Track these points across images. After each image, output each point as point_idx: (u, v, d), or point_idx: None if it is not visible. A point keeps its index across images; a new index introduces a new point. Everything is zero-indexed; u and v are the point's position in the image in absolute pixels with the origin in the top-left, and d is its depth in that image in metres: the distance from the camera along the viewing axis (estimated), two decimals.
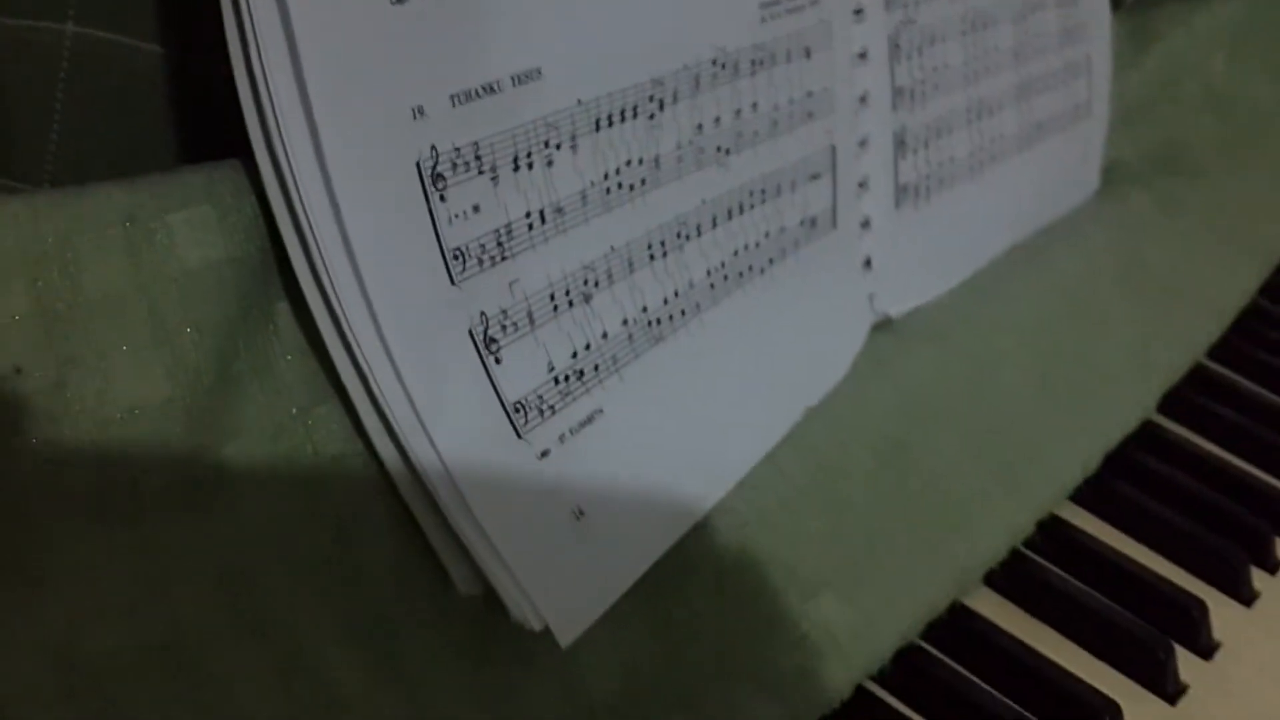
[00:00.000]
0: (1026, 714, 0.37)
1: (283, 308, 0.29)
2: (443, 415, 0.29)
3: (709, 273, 0.37)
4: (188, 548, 0.26)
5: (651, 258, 0.35)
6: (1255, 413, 0.54)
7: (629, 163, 0.34)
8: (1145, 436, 0.50)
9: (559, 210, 0.32)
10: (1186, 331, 0.55)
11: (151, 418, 0.26)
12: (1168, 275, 0.55)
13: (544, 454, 0.31)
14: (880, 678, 0.36)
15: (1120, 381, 0.49)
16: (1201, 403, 0.53)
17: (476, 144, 0.30)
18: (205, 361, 0.27)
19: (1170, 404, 0.52)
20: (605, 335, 0.34)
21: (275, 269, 0.29)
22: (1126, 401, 0.49)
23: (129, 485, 0.26)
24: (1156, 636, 0.41)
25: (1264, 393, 0.55)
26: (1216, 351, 0.57)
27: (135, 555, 0.26)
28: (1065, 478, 0.45)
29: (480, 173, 0.30)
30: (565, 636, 0.29)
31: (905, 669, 0.37)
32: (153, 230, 0.26)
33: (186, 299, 0.27)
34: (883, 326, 0.46)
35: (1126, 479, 0.47)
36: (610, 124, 0.34)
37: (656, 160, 0.35)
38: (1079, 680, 0.38)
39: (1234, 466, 0.51)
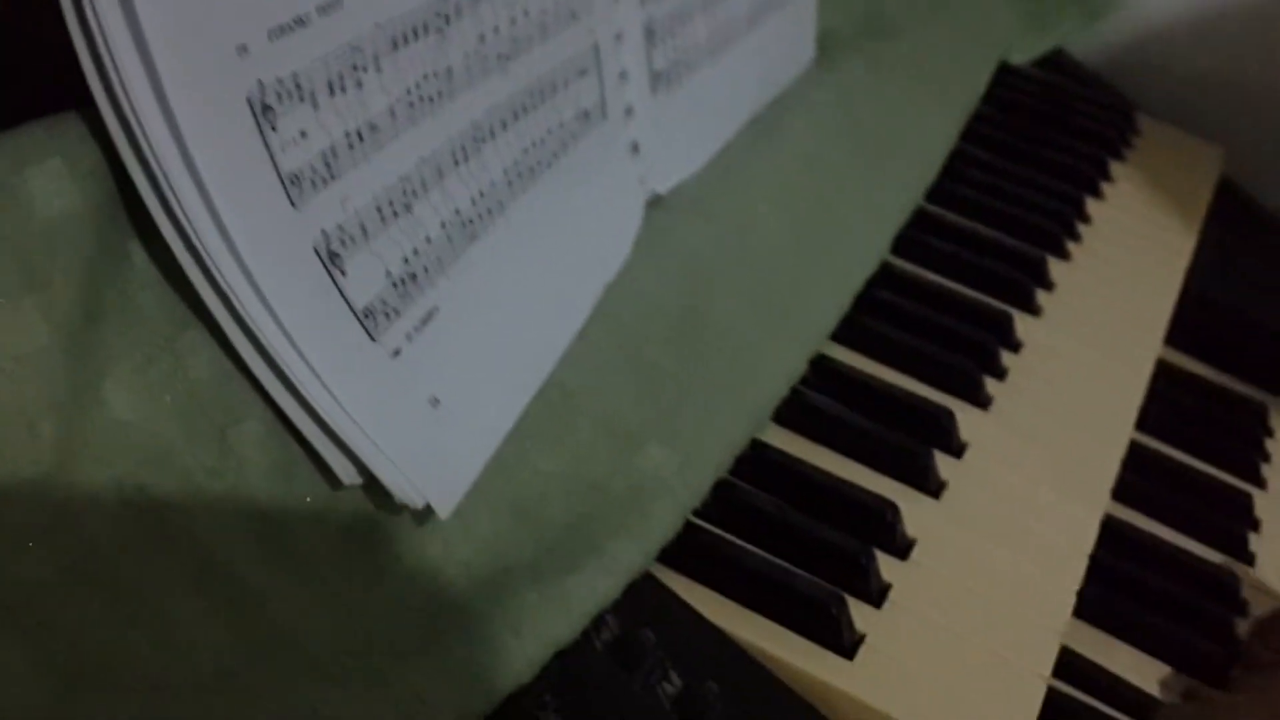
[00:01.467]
0: (826, 525, 0.43)
1: (136, 246, 0.31)
2: (305, 328, 0.31)
3: (505, 171, 0.41)
4: (89, 477, 0.28)
5: (456, 163, 0.38)
6: (969, 243, 0.62)
7: (426, 76, 0.37)
8: (883, 276, 0.57)
9: (373, 127, 0.35)
10: (906, 180, 0.62)
11: (36, 364, 0.28)
12: (884, 131, 0.62)
13: (396, 353, 0.34)
14: (702, 512, 0.41)
15: (858, 231, 0.56)
16: (924, 240, 0.61)
17: (296, 74, 0.32)
18: (75, 305, 0.29)
19: (900, 245, 0.59)
20: (429, 239, 0.37)
21: (124, 209, 0.30)
22: (865, 248, 0.56)
23: (27, 429, 0.28)
24: (921, 448, 0.48)
25: (976, 226, 0.63)
26: (932, 194, 0.64)
27: (44, 489, 0.28)
28: (826, 321, 0.51)
29: (302, 100, 0.32)
30: (444, 509, 0.33)
31: (722, 501, 0.42)
32: (12, 187, 0.27)
33: (51, 248, 0.28)
34: (655, 204, 0.50)
35: (872, 314, 0.54)
36: (406, 42, 0.36)
37: (449, 72, 0.38)
38: (860, 488, 0.45)
39: (959, 292, 0.58)
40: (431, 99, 0.37)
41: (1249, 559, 0.58)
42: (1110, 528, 0.49)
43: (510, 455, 0.37)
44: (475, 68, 0.39)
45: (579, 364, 0.40)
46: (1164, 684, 0.49)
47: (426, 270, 0.36)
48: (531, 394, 0.38)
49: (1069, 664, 0.46)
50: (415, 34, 0.37)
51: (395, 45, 0.36)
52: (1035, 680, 0.41)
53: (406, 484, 0.32)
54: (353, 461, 0.32)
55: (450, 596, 0.33)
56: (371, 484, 0.33)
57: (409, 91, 0.36)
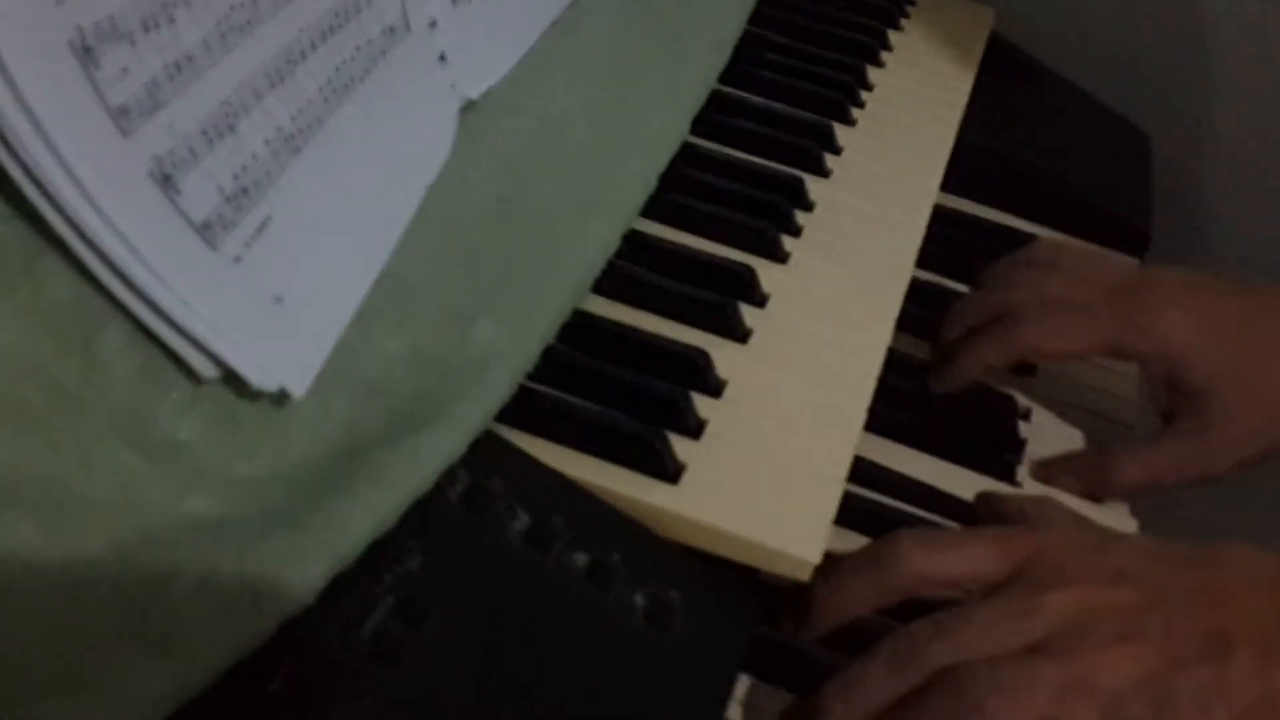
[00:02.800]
0: (646, 375, 0.48)
1: None
2: (150, 245, 0.35)
3: (320, 89, 0.45)
4: None
5: (271, 85, 0.42)
6: (762, 119, 0.67)
7: (233, 8, 0.41)
8: (686, 154, 0.62)
9: (190, 58, 0.38)
10: (701, 66, 0.67)
11: None
12: (678, 23, 0.67)
13: (237, 259, 0.38)
14: (535, 375, 0.47)
15: (658, 116, 0.61)
16: (722, 120, 0.66)
17: (112, 16, 0.36)
18: None
19: (699, 126, 0.65)
20: (255, 156, 0.40)
21: None
22: (667, 131, 0.61)
23: None
24: (727, 301, 0.53)
25: (769, 103, 0.69)
26: (726, 77, 0.70)
27: None
28: (635, 199, 0.56)
29: (120, 40, 0.36)
30: (298, 389, 0.38)
31: (551, 364, 0.47)
32: None
33: None
34: (469, 108, 0.54)
35: (678, 190, 0.60)
36: None
37: (255, 1, 0.42)
38: (674, 340, 0.51)
39: (755, 163, 0.64)
40: (241, 28, 0.41)
41: (1030, 369, 0.66)
42: (895, 353, 0.56)
43: (358, 341, 0.42)
44: None
45: (410, 256, 0.45)
46: (956, 482, 0.57)
47: (256, 184, 0.40)
48: (368, 286, 0.42)
49: (864, 470, 0.53)
50: None
51: None
52: (835, 483, 0.47)
53: (260, 372, 0.37)
54: (209, 358, 0.37)
55: (315, 466, 0.38)
56: (230, 376, 0.37)
57: (219, 23, 0.40)
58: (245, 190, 0.40)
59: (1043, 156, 0.81)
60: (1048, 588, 0.42)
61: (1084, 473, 0.56)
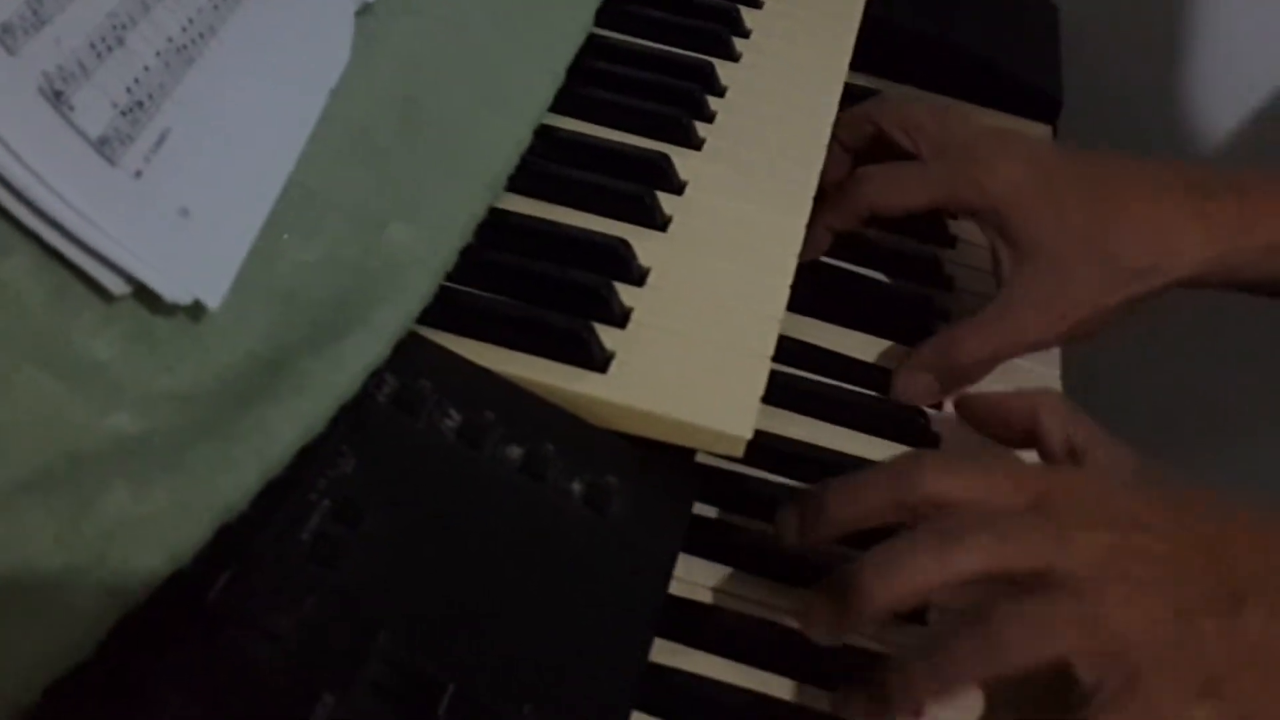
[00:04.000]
0: (568, 268, 0.48)
1: None
2: (48, 164, 0.35)
3: None
4: None
5: None
6: (668, 6, 0.67)
7: None
8: (593, 46, 0.62)
9: None
10: None
11: None
12: None
13: (138, 174, 0.38)
14: (455, 275, 0.46)
15: (561, 8, 0.60)
16: (626, 9, 0.65)
17: None
18: None
19: (603, 17, 0.64)
20: (147, 68, 0.40)
21: None
22: (571, 23, 0.60)
23: None
24: (644, 190, 0.53)
25: None
26: None
27: None
28: (543, 94, 0.55)
29: None
30: (212, 300, 0.37)
31: (470, 264, 0.47)
32: None
33: None
34: (365, 11, 0.53)
35: (588, 83, 0.59)
36: None
37: None
38: (594, 232, 0.51)
39: (664, 51, 0.64)
40: None
41: (950, 241, 0.67)
42: None
43: (270, 251, 0.41)
44: None
45: (316, 163, 0.44)
46: (882, 354, 0.58)
47: (151, 96, 0.39)
48: (275, 195, 0.42)
49: (790, 348, 0.54)
50: None
51: None
52: (761, 361, 0.48)
53: (172, 286, 0.36)
54: (119, 275, 0.36)
55: (238, 377, 0.37)
56: (143, 292, 0.37)
57: None
58: (140, 103, 0.39)
59: (951, 30, 0.81)
60: (1070, 525, 0.41)
61: (932, 365, 0.55)
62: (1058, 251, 0.55)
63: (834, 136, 0.61)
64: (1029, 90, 0.80)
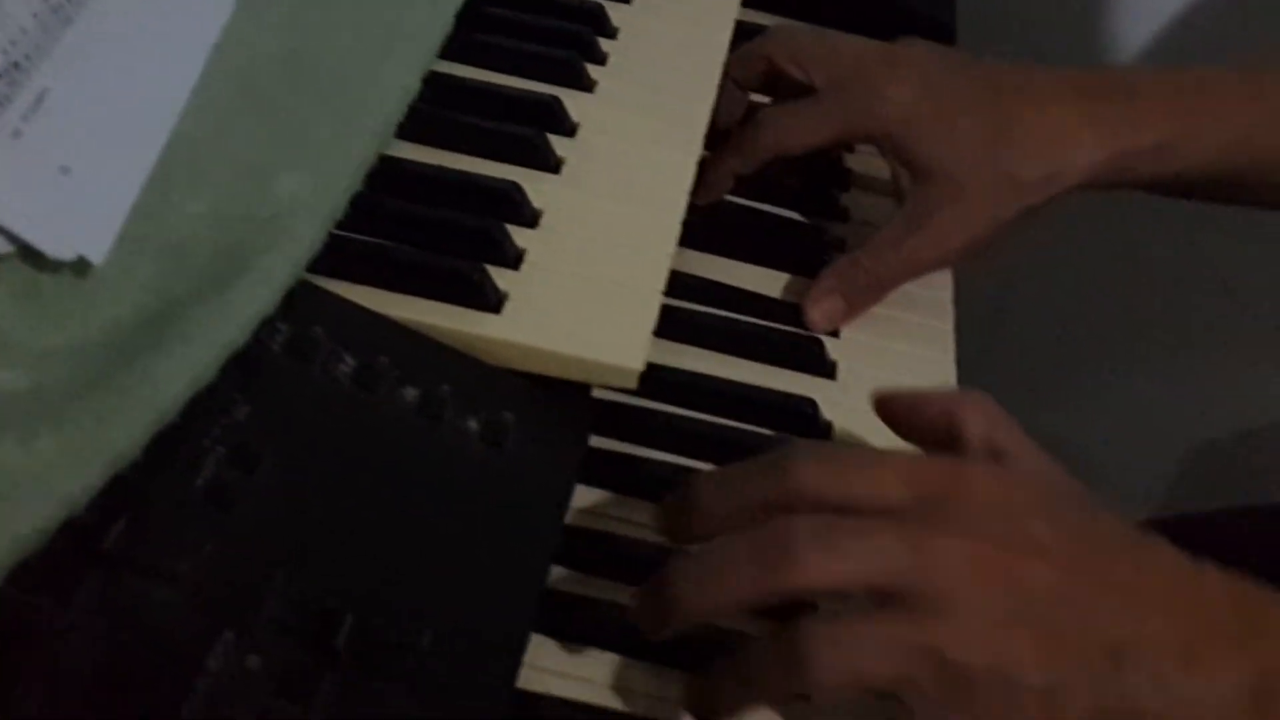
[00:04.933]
0: (459, 211, 0.49)
1: None
2: None
3: None
4: None
5: None
6: None
7: None
8: None
9: None
10: None
11: None
12: None
13: (16, 134, 0.38)
14: (345, 224, 0.47)
15: None
16: None
17: None
18: None
19: None
20: (24, 30, 0.40)
21: None
22: None
23: None
24: (535, 133, 0.54)
25: None
26: None
27: None
28: (432, 40, 0.56)
29: None
30: (96, 256, 0.38)
31: (361, 211, 0.48)
32: None
33: None
34: None
35: (478, 28, 0.60)
36: None
37: None
38: (485, 176, 0.52)
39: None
40: None
41: (845, 175, 0.69)
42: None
43: (156, 205, 0.42)
44: None
45: (201, 116, 0.45)
46: (779, 287, 0.60)
47: (28, 57, 0.39)
48: (158, 149, 0.42)
49: (683, 283, 0.55)
50: None
51: None
52: (653, 295, 0.49)
53: (55, 243, 0.37)
54: (1, 234, 0.36)
55: (126, 330, 0.38)
56: (27, 251, 0.37)
57: None
58: (17, 64, 0.39)
59: None
60: (944, 530, 0.36)
61: (835, 287, 0.57)
62: (953, 170, 0.57)
63: (728, 76, 0.62)
64: (920, 19, 0.81)
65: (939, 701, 0.35)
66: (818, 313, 0.57)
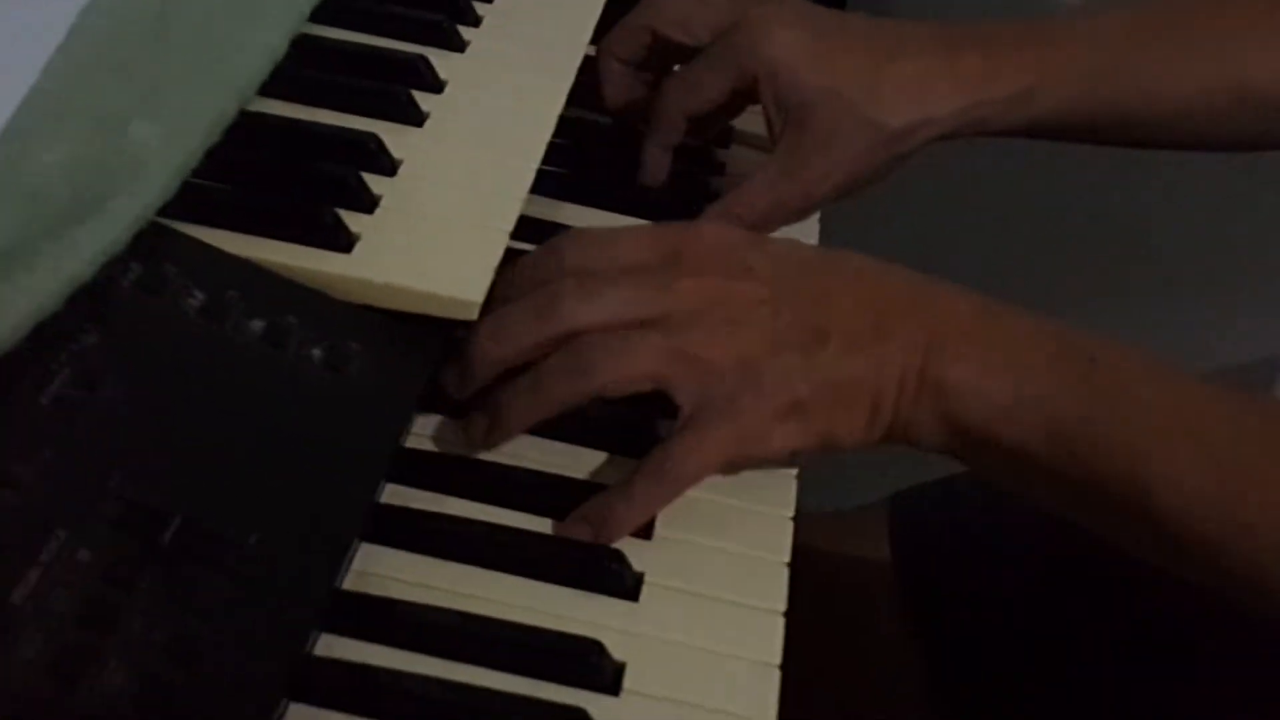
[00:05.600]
0: (318, 161, 0.53)
1: None
2: None
3: None
4: None
5: None
6: None
7: None
8: None
9: None
10: None
11: None
12: None
13: None
14: (200, 171, 0.50)
15: None
16: None
17: None
18: None
19: None
20: None
21: None
22: None
23: None
24: (398, 88, 0.57)
25: None
26: None
27: None
28: (300, 6, 0.59)
29: None
30: None
31: (217, 161, 0.51)
32: None
33: None
34: None
35: None
36: None
37: None
38: (345, 128, 0.55)
39: None
40: None
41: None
42: (570, 121, 0.61)
43: (14, 156, 0.45)
44: None
45: (62, 72, 0.48)
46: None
47: None
48: (17, 101, 0.46)
49: (535, 228, 0.58)
50: None
51: None
52: (498, 234, 0.52)
53: None
54: None
55: None
56: None
57: None
58: None
59: None
60: (681, 274, 0.49)
61: (715, 216, 0.61)
62: (825, 116, 0.60)
63: (611, 55, 0.65)
64: None
65: (695, 390, 0.47)
66: None
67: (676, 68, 0.65)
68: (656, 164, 0.64)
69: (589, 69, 0.65)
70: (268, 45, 0.56)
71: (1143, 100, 0.64)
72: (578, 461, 0.51)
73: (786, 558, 0.49)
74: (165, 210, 0.47)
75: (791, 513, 0.51)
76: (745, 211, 0.61)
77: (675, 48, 0.64)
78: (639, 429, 0.51)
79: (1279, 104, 0.64)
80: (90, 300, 0.43)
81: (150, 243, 0.46)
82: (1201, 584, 0.49)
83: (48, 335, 0.42)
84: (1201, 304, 1.11)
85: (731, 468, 0.49)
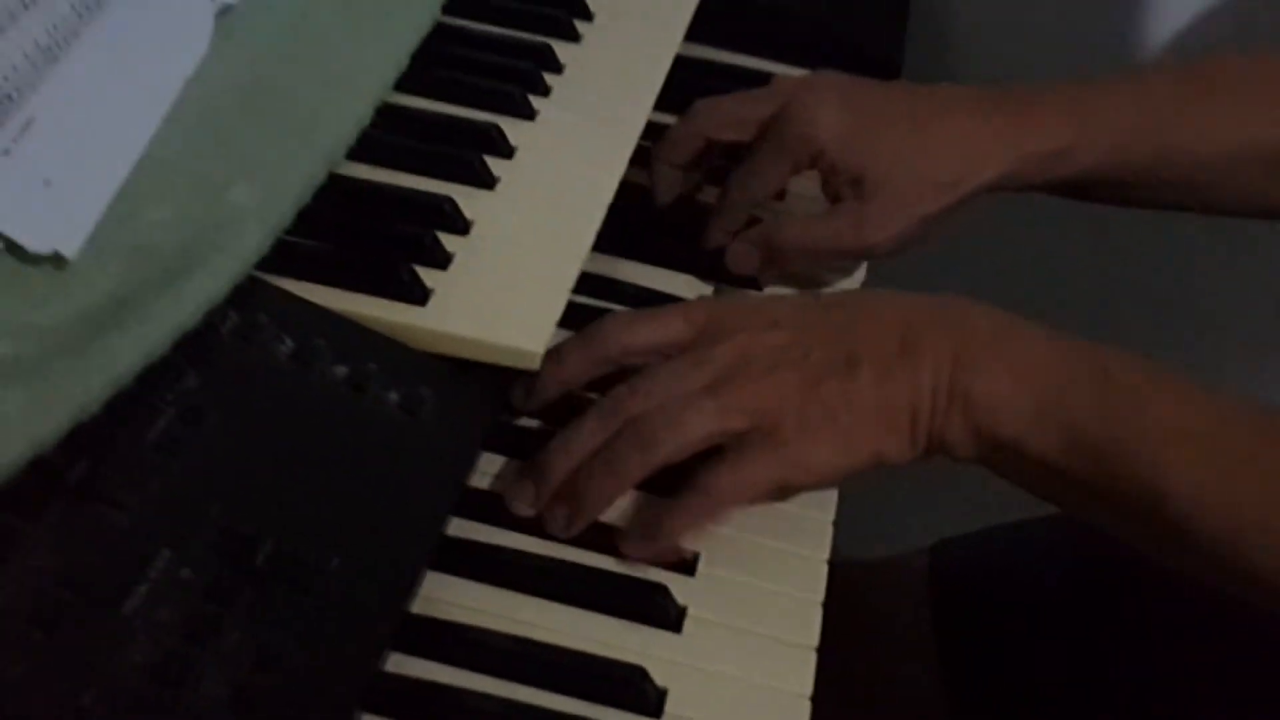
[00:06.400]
0: (396, 221, 0.57)
1: None
2: None
3: (73, 7, 0.52)
4: None
5: (25, 6, 0.50)
6: None
7: None
8: (442, 33, 0.70)
9: None
10: None
11: None
12: None
13: (6, 152, 0.47)
14: (293, 230, 0.55)
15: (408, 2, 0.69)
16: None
17: None
18: None
19: (453, 6, 0.73)
20: (15, 68, 0.49)
21: None
22: (416, 15, 0.69)
23: None
24: (472, 155, 0.62)
25: None
26: None
27: None
28: (386, 75, 0.64)
29: None
30: (70, 250, 0.46)
31: (306, 221, 0.56)
32: None
33: None
34: (224, 12, 0.62)
35: (436, 65, 0.68)
36: None
37: None
38: (421, 190, 0.60)
39: (508, 35, 0.72)
40: None
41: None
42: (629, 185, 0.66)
43: (126, 213, 0.50)
44: None
45: (169, 138, 0.53)
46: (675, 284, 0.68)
47: (19, 90, 0.48)
48: (130, 166, 0.51)
49: (593, 283, 0.63)
50: None
51: None
52: (561, 290, 0.57)
53: (35, 239, 0.45)
54: None
55: (94, 312, 0.46)
56: (12, 246, 0.46)
57: None
58: (9, 97, 0.48)
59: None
60: (716, 341, 0.53)
61: (756, 239, 0.66)
62: (877, 175, 0.64)
63: (666, 162, 0.70)
64: (866, 53, 0.88)
65: (752, 437, 0.51)
66: (735, 256, 0.66)
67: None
68: (717, 240, 0.68)
69: (650, 134, 0.70)
70: (354, 114, 0.61)
71: (1178, 161, 0.66)
72: (627, 502, 0.55)
73: (821, 597, 0.53)
74: (260, 265, 0.52)
75: (826, 555, 0.54)
76: (798, 236, 0.65)
77: (726, 146, 0.69)
78: (679, 472, 0.55)
79: None
80: (193, 346, 0.48)
81: (246, 294, 0.51)
82: (1219, 587, 0.51)
83: (155, 377, 0.46)
84: (1243, 350, 1.13)
85: (784, 491, 0.54)
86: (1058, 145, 0.65)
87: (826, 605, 0.53)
